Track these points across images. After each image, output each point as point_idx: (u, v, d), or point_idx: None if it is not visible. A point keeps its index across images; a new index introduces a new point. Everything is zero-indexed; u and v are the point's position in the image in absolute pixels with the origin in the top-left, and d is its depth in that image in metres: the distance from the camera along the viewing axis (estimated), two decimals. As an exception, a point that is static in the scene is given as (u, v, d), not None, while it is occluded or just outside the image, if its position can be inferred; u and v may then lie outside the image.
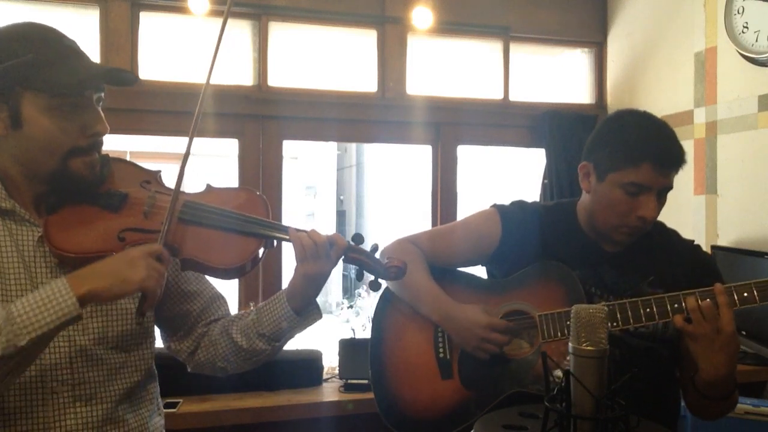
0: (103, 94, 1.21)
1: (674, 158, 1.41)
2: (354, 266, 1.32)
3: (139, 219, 1.22)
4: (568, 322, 1.41)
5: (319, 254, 1.24)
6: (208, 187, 1.35)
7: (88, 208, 1.22)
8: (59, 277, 1.14)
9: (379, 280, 1.32)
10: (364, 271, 1.31)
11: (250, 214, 1.27)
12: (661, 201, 1.44)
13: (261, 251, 1.26)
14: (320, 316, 1.37)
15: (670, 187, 1.44)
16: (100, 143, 1.22)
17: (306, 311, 1.33)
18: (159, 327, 1.40)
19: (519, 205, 1.65)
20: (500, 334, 1.49)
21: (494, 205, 1.67)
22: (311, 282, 1.29)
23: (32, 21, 1.20)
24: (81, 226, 1.19)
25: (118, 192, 1.24)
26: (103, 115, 1.21)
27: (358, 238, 1.31)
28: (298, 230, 1.28)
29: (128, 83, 1.21)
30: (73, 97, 1.14)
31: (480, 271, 1.72)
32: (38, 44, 1.14)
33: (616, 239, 1.48)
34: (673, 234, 1.58)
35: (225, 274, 1.26)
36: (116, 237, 1.19)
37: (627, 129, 1.44)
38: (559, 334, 1.44)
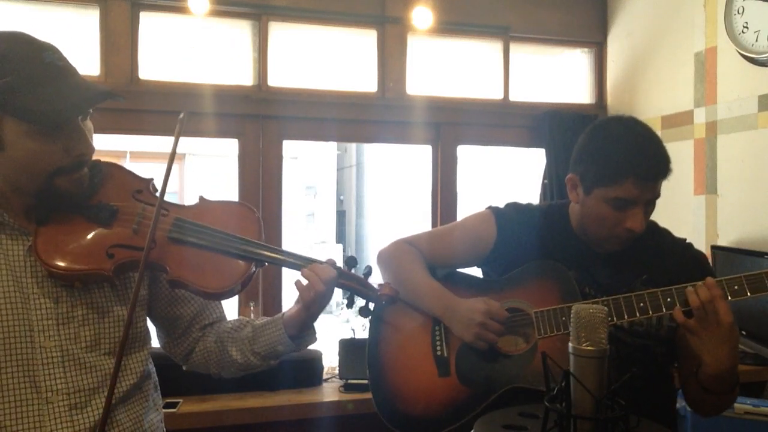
0: (90, 110, 1.17)
1: (658, 172, 1.41)
2: (346, 291, 1.30)
3: (129, 234, 1.21)
4: (564, 319, 1.44)
5: (326, 296, 1.25)
6: (201, 200, 1.33)
7: (78, 221, 1.19)
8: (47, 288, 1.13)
9: (370, 305, 1.31)
10: (356, 296, 1.30)
11: (241, 235, 1.25)
12: (648, 210, 1.45)
13: (251, 273, 1.24)
14: (315, 339, 1.38)
15: (657, 197, 1.44)
16: (88, 159, 1.18)
17: (301, 337, 1.34)
18: (155, 325, 1.40)
19: (513, 207, 1.67)
20: (498, 322, 1.51)
21: (489, 207, 1.69)
22: (311, 317, 1.30)
23: (8, 32, 1.14)
24: (70, 240, 1.17)
25: (109, 206, 1.22)
26: (91, 128, 1.18)
27: (351, 261, 1.30)
28: (294, 255, 1.27)
29: (115, 101, 1.17)
30: (56, 124, 1.10)
31: (476, 273, 1.73)
32: (17, 64, 1.08)
33: (606, 248, 1.50)
34: (665, 233, 1.59)
35: (214, 296, 1.25)
36: (105, 253, 1.17)
37: (609, 144, 1.43)
38: (554, 330, 1.46)
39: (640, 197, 1.40)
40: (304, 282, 1.26)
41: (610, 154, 1.41)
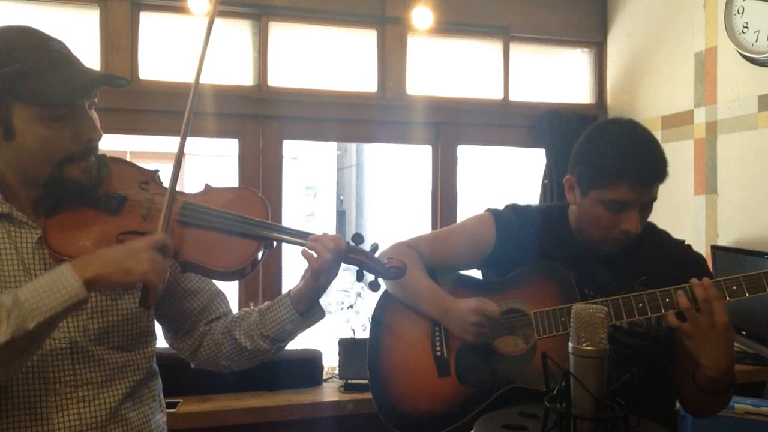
0: (95, 99, 1.19)
1: (653, 175, 1.41)
2: (354, 266, 1.31)
3: (138, 221, 1.22)
4: (563, 319, 1.45)
5: (333, 265, 1.25)
6: (207, 187, 1.34)
7: (86, 211, 1.21)
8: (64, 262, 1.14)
9: (379, 280, 1.32)
10: (364, 271, 1.30)
11: (248, 216, 1.26)
12: (645, 213, 1.45)
13: (260, 253, 1.25)
14: (323, 316, 1.38)
15: (654, 199, 1.44)
16: (96, 147, 1.20)
17: (310, 312, 1.34)
18: (161, 324, 1.40)
19: (512, 209, 1.67)
20: (492, 314, 1.51)
21: (488, 209, 1.69)
22: (319, 289, 1.30)
23: (16, 25, 1.17)
24: (80, 229, 1.19)
25: (117, 194, 1.24)
26: (97, 118, 1.20)
27: (358, 238, 1.31)
28: (303, 233, 1.27)
29: (120, 87, 1.20)
30: (64, 107, 1.12)
31: (476, 274, 1.74)
32: (24, 52, 1.11)
33: (603, 249, 1.50)
34: (664, 234, 1.60)
35: (225, 276, 1.26)
36: (115, 240, 1.19)
37: (606, 147, 1.43)
38: (554, 331, 1.47)
39: (636, 200, 1.40)
40: (313, 254, 1.26)
41: (607, 156, 1.42)
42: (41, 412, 1.14)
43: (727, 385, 1.38)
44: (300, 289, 1.32)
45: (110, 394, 1.21)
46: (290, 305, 1.32)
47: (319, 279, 1.27)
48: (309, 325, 1.35)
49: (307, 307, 1.32)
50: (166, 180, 1.30)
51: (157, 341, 1.37)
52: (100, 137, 1.20)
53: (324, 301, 1.39)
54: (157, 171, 1.32)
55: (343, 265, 1.29)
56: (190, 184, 1.29)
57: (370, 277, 1.32)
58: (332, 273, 1.27)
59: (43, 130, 1.12)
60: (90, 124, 1.17)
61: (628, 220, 1.41)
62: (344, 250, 1.26)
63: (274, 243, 1.28)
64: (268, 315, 1.34)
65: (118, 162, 1.30)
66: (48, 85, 1.10)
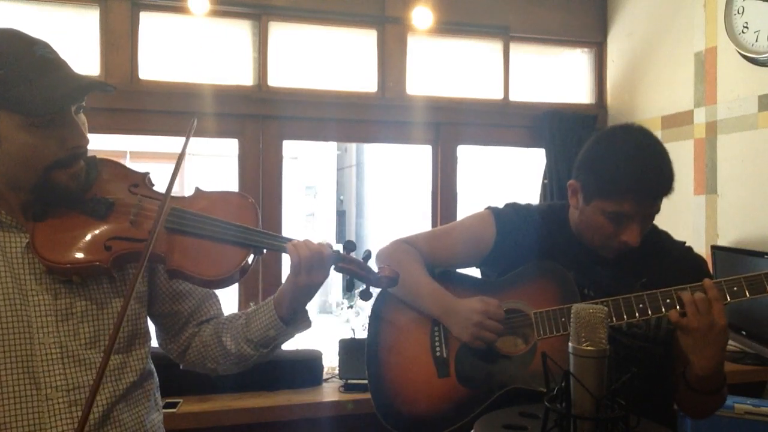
0: (83, 103, 1.18)
1: (659, 191, 1.41)
2: (345, 275, 1.29)
3: (126, 227, 1.21)
4: (563, 319, 1.44)
5: (313, 266, 1.23)
6: (197, 191, 1.33)
7: (75, 216, 1.20)
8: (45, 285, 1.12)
9: (371, 289, 1.30)
10: (355, 280, 1.28)
11: (238, 222, 1.25)
12: (646, 224, 1.45)
13: (250, 260, 1.24)
14: (309, 325, 1.35)
15: (656, 212, 1.44)
16: (84, 152, 1.19)
17: (294, 320, 1.32)
18: (153, 324, 1.40)
19: (512, 207, 1.67)
20: (496, 322, 1.50)
21: (488, 208, 1.69)
22: (301, 292, 1.27)
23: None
24: (68, 234, 1.18)
25: (105, 199, 1.22)
26: (85, 122, 1.18)
27: (350, 245, 1.29)
28: (291, 240, 1.26)
29: (106, 92, 1.18)
30: (50, 115, 1.11)
31: (475, 273, 1.73)
32: (8, 59, 1.09)
33: (601, 254, 1.50)
34: (665, 236, 1.59)
35: (213, 284, 1.25)
36: (103, 246, 1.18)
37: (614, 158, 1.42)
38: (554, 331, 1.46)
39: (638, 214, 1.40)
40: (296, 252, 1.24)
41: (613, 168, 1.40)
42: (33, 417, 1.13)
43: (718, 385, 1.39)
44: (281, 290, 1.30)
45: (103, 396, 1.20)
46: (273, 311, 1.30)
47: (299, 276, 1.24)
48: (292, 333, 1.33)
49: (289, 313, 1.30)
50: (157, 181, 1.29)
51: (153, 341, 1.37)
52: (87, 143, 1.18)
53: (324, 301, 1.39)
54: (147, 173, 1.31)
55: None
56: (190, 184, 1.27)
57: (362, 285, 1.30)
58: (313, 274, 1.24)
59: (29, 138, 1.10)
60: (77, 130, 1.15)
61: (628, 232, 1.41)
62: (327, 255, 1.24)
63: (264, 250, 1.26)
64: (252, 319, 1.33)
65: (108, 164, 1.28)
66: (32, 93, 1.08)
